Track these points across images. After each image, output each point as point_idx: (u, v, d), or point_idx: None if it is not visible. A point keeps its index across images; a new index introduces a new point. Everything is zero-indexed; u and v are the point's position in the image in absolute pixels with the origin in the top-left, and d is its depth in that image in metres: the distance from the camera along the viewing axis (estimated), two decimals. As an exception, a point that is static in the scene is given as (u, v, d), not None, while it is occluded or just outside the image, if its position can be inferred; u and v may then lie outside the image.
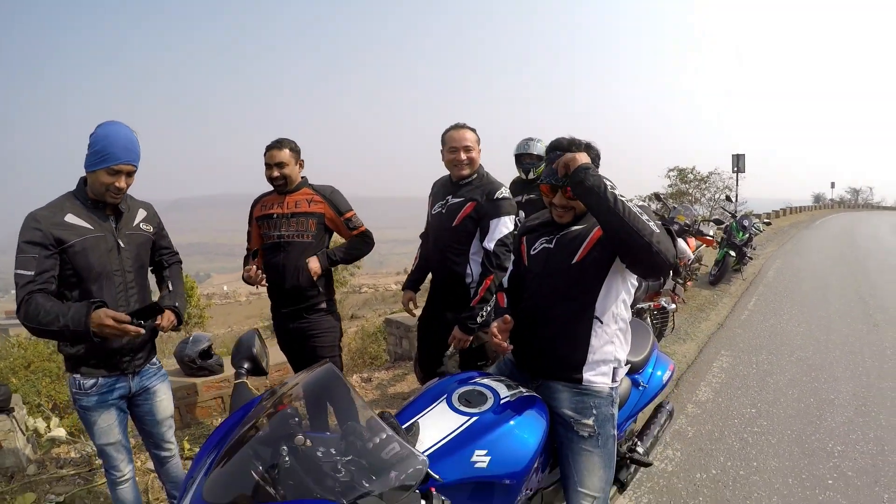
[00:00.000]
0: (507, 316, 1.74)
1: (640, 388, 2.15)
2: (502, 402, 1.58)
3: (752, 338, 5.58)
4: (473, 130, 2.62)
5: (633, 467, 2.18)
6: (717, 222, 9.06)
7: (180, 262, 2.36)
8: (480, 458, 1.40)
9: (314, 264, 2.58)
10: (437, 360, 2.97)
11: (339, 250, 2.75)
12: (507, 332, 1.73)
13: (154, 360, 2.17)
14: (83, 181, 1.93)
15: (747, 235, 8.72)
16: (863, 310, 6.65)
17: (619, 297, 1.68)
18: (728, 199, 12.73)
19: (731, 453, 3.17)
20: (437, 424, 1.47)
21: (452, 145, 2.58)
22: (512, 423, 1.51)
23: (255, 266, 2.57)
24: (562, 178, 1.57)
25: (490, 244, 2.53)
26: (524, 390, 1.68)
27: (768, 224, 11.77)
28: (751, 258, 9.12)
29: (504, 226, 2.55)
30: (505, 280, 2.00)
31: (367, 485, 1.11)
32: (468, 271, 2.66)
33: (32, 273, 1.77)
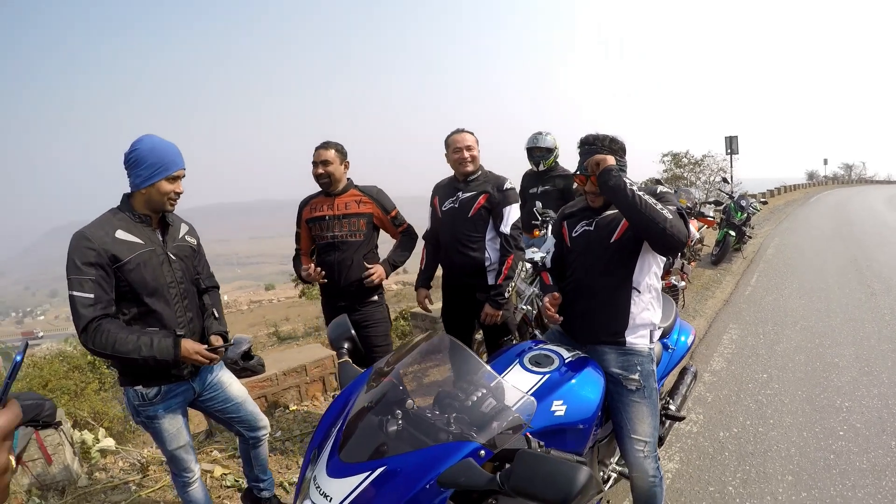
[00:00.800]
0: (555, 293, 2.02)
1: (670, 350, 2.41)
2: (566, 361, 1.85)
3: (757, 311, 5.86)
4: (472, 133, 2.92)
5: (667, 423, 2.45)
6: (717, 203, 9.31)
7: (217, 286, 2.30)
8: (559, 408, 1.65)
9: (381, 272, 2.82)
10: None
11: (395, 256, 2.98)
12: (556, 305, 2.01)
13: None
14: (126, 197, 1.92)
15: (745, 215, 8.98)
16: (860, 280, 6.95)
17: (652, 269, 1.95)
18: (724, 180, 12.95)
19: (748, 413, 3.44)
20: (518, 382, 1.70)
21: (456, 146, 2.88)
22: (578, 378, 1.78)
23: (313, 265, 2.78)
24: (590, 171, 1.86)
25: (506, 228, 2.86)
26: (580, 353, 1.94)
27: (765, 203, 12.03)
28: (750, 237, 9.41)
29: (515, 212, 2.90)
30: (548, 260, 2.25)
31: (474, 434, 1.29)
32: (486, 255, 2.93)
33: (92, 296, 1.73)
